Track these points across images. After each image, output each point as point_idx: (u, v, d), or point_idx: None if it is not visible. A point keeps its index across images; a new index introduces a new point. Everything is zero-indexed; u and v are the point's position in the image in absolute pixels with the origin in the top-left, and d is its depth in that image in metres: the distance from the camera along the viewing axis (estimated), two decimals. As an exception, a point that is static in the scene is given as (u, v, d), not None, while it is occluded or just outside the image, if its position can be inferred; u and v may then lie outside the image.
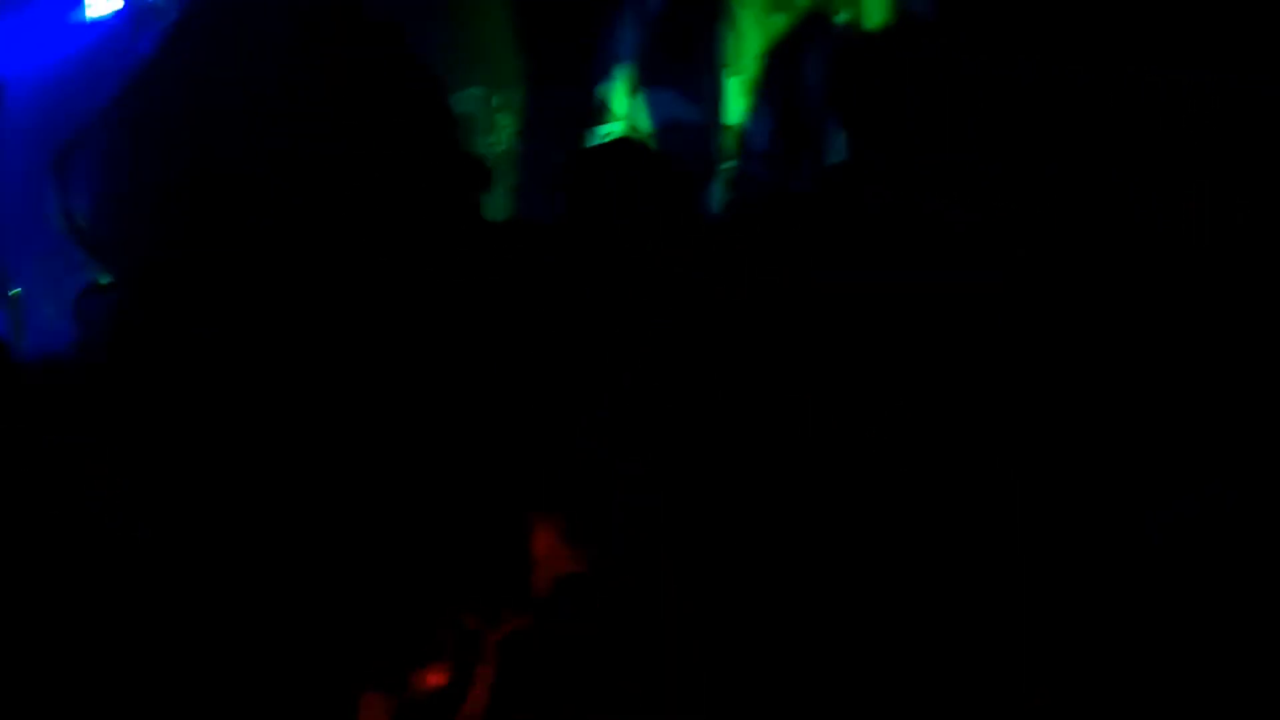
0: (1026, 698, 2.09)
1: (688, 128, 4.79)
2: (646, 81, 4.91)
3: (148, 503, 1.16)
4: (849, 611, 2.10)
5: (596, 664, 1.49)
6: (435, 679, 1.23)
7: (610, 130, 4.82)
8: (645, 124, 4.89)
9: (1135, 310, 2.47)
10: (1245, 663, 2.15)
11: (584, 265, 1.66)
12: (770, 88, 4.66)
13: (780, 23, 4.67)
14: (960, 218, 2.49)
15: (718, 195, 4.73)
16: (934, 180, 2.53)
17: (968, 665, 2.11)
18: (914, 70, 2.56)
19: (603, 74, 4.95)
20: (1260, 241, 2.48)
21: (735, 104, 4.75)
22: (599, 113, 4.95)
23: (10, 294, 6.19)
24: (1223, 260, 2.49)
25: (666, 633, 1.65)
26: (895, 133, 2.55)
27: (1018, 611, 2.18)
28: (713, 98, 4.76)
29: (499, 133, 5.78)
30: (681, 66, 4.84)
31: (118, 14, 6.77)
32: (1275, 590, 2.21)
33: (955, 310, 2.37)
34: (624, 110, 4.92)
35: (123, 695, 1.15)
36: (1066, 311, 2.47)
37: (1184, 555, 2.26)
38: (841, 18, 4.56)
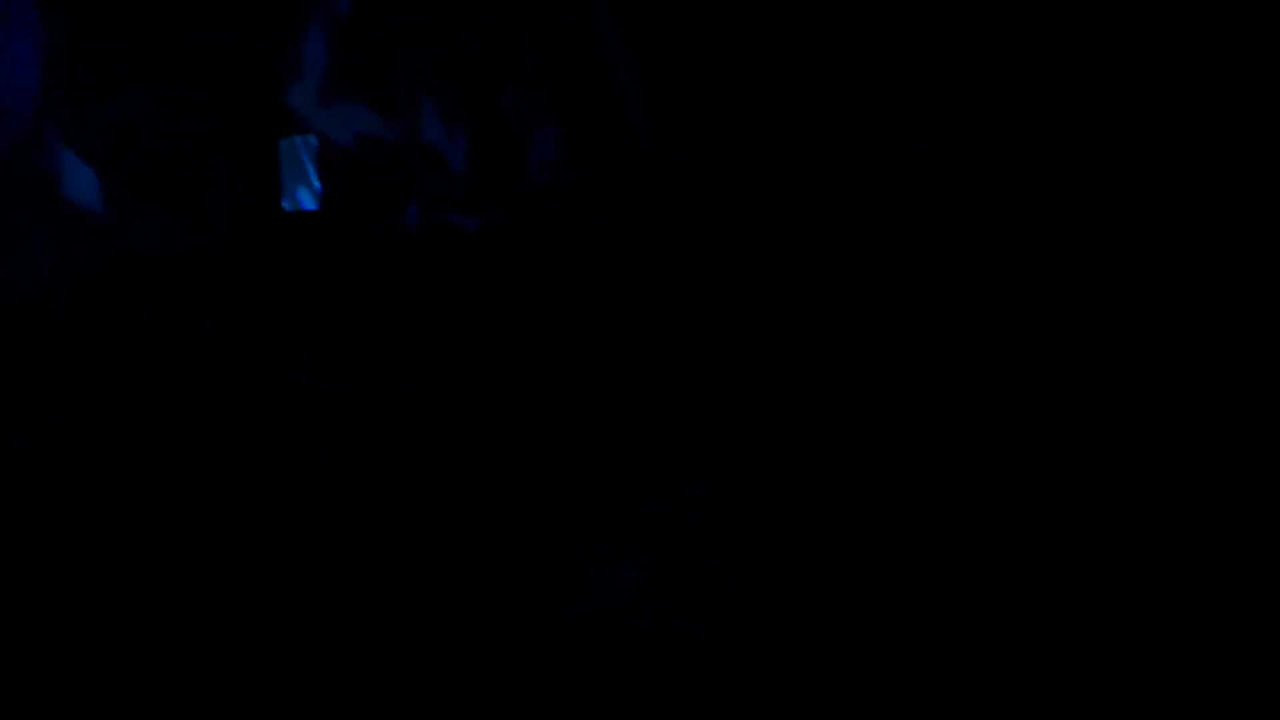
0: (1026, 698, 2.09)
1: (382, 143, 4.61)
2: (337, 92, 4.72)
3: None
4: (834, 610, 2.10)
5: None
6: None
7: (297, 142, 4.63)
8: (339, 137, 4.69)
9: (1134, 310, 2.47)
10: (1244, 663, 2.15)
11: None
12: (469, 103, 4.49)
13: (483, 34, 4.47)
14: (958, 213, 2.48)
15: (414, 216, 4.57)
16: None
17: (966, 664, 2.10)
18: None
19: (290, 80, 4.75)
20: (1260, 241, 2.48)
21: (430, 119, 4.55)
22: (288, 123, 4.73)
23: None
24: (1222, 260, 2.49)
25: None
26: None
27: (1015, 611, 2.17)
28: (409, 112, 4.58)
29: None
30: (376, 76, 4.65)
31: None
32: (1275, 590, 2.21)
33: (944, 310, 2.36)
34: (316, 122, 4.72)
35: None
36: (1065, 311, 2.47)
37: (1182, 558, 2.27)
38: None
